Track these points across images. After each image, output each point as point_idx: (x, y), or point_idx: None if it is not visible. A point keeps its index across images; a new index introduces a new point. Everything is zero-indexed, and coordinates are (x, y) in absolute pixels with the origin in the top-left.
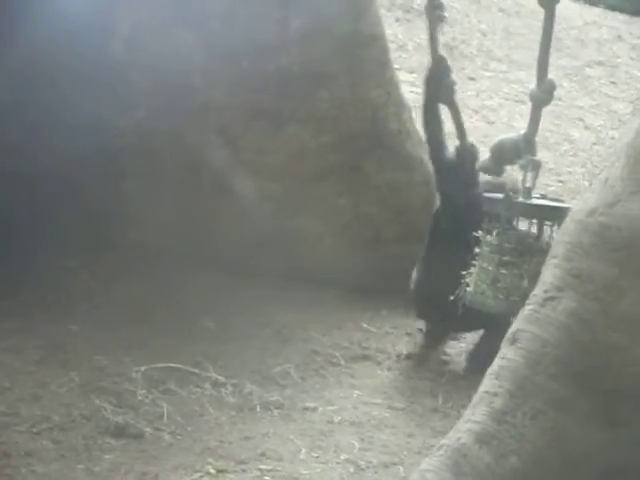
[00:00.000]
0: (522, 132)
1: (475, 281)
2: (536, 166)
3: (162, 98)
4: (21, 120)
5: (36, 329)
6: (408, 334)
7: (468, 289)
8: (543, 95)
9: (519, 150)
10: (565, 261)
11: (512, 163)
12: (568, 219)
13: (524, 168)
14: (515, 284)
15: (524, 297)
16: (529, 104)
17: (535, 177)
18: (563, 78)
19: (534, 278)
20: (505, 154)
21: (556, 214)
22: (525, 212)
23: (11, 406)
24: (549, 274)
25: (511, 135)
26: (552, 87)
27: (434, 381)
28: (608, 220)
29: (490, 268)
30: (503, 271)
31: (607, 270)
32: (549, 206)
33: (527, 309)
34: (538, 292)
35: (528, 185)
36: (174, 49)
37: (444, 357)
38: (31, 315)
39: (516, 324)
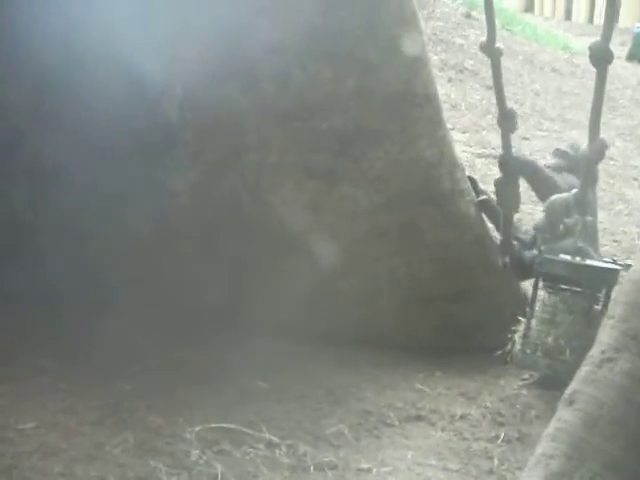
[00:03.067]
0: (573, 191)
1: (525, 340)
2: (586, 226)
3: (215, 158)
4: (73, 182)
5: (90, 390)
6: (462, 394)
7: (517, 347)
8: (593, 155)
9: (569, 210)
10: (621, 322)
11: (563, 222)
12: (625, 279)
13: (573, 228)
14: (565, 345)
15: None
16: None
17: (589, 237)
18: (617, 137)
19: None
20: (556, 214)
21: (604, 276)
22: (574, 273)
23: (67, 467)
24: (606, 335)
25: (563, 195)
26: (603, 146)
27: (489, 442)
28: None
29: (542, 327)
30: (554, 331)
31: None
32: (597, 267)
33: (584, 370)
34: (595, 353)
35: (580, 245)
36: (227, 110)
37: (499, 419)
38: (85, 376)
39: (573, 385)
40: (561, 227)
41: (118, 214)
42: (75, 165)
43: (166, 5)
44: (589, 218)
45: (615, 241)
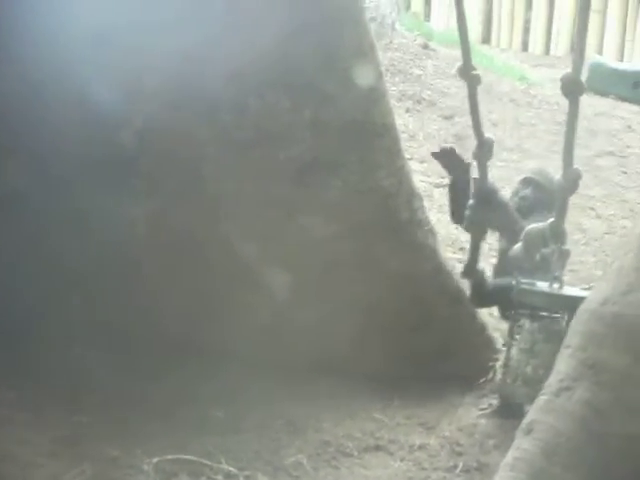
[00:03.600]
0: (549, 221)
1: (506, 369)
2: (563, 255)
3: (173, 188)
4: (27, 210)
5: (47, 421)
6: (420, 424)
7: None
8: (568, 184)
9: (546, 239)
10: (579, 351)
11: (540, 252)
12: (582, 308)
13: (550, 257)
14: (543, 375)
15: None
16: None
17: (563, 267)
18: None
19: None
20: (533, 243)
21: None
22: (550, 302)
23: None
24: (563, 364)
25: (539, 224)
26: (578, 176)
27: (448, 472)
28: (621, 309)
29: (521, 357)
30: (533, 360)
31: (621, 359)
32: (574, 296)
33: (542, 399)
34: (553, 382)
35: (556, 274)
36: (186, 139)
37: (458, 448)
38: (42, 407)
39: (531, 414)
40: (537, 257)
41: (75, 242)
42: (30, 192)
43: (125, 34)
44: (566, 248)
45: (572, 270)
